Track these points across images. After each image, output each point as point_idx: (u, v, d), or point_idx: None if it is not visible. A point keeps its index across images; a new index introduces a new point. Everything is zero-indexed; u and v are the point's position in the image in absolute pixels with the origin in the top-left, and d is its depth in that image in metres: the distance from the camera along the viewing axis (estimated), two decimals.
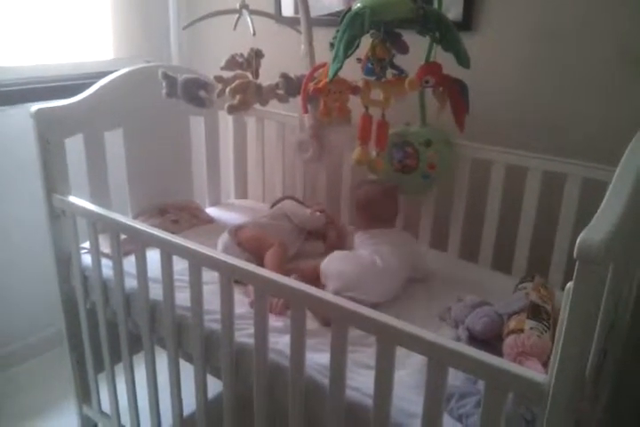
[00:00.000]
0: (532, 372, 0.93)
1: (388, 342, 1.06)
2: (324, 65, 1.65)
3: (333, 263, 1.57)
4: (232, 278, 1.30)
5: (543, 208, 1.66)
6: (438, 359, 1.00)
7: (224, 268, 1.28)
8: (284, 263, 1.64)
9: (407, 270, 1.61)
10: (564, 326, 0.86)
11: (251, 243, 1.71)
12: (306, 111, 1.63)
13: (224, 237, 1.75)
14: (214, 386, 1.52)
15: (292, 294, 1.16)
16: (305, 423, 1.27)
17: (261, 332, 1.26)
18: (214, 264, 1.31)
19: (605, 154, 1.59)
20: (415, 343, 1.02)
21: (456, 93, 1.56)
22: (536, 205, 1.66)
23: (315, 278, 1.56)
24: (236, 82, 1.58)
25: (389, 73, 1.61)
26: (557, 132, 1.75)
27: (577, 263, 0.84)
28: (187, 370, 1.53)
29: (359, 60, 1.62)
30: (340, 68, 1.42)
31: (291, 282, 1.17)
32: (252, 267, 1.24)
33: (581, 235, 0.83)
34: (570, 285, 0.85)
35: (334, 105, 1.55)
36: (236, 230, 1.76)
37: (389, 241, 1.64)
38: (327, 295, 1.13)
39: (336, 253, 1.62)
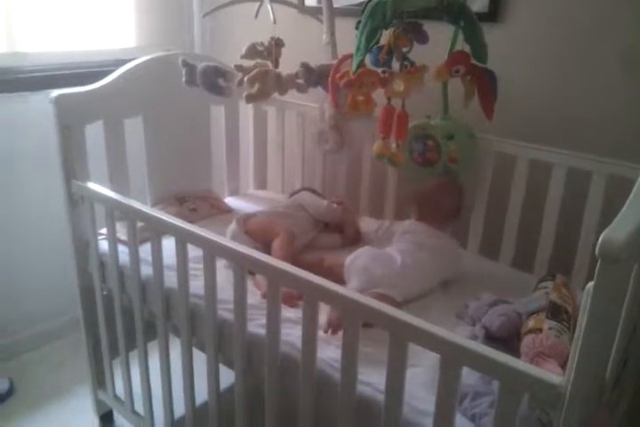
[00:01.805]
0: (549, 373, 0.90)
1: (401, 338, 1.03)
2: (350, 56, 1.62)
3: (360, 259, 1.53)
4: (246, 269, 1.29)
5: (567, 205, 1.62)
6: (451, 357, 0.98)
7: (238, 258, 1.27)
8: (292, 251, 1.61)
9: (436, 278, 1.57)
10: (583, 327, 0.83)
11: (258, 232, 1.71)
12: (337, 104, 1.60)
13: (232, 226, 1.75)
14: (227, 377, 1.51)
15: (306, 287, 1.15)
16: (315, 417, 1.26)
17: (273, 323, 1.25)
18: (229, 254, 1.30)
19: (632, 151, 1.55)
20: (428, 340, 1.00)
21: (485, 82, 1.52)
22: (560, 202, 1.62)
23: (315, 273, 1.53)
24: (256, 71, 1.56)
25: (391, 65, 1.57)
26: (583, 127, 1.70)
27: (598, 262, 0.81)
28: (200, 359, 1.53)
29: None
30: (363, 60, 1.39)
31: (306, 274, 1.15)
32: (265, 257, 1.22)
33: (604, 233, 0.80)
34: (590, 284, 0.82)
35: (360, 97, 1.51)
36: (244, 219, 1.75)
37: (431, 245, 1.59)
38: (340, 288, 1.11)
39: (363, 250, 1.58)
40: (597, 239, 0.77)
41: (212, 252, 1.34)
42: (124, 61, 1.87)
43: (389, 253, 1.58)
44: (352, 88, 1.40)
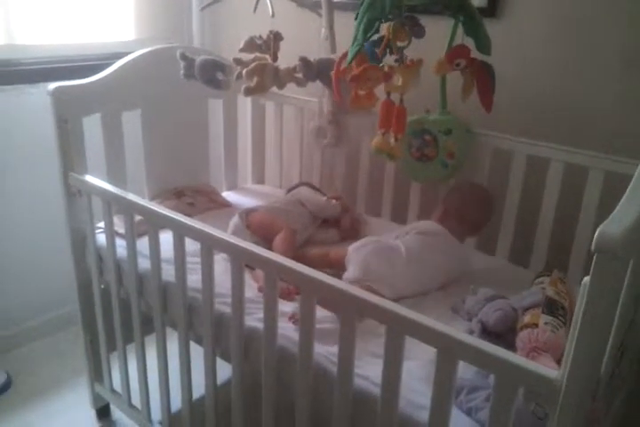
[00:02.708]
0: (544, 368, 0.90)
1: (398, 331, 1.04)
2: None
3: (363, 250, 1.54)
4: (243, 262, 1.29)
5: (564, 201, 1.62)
6: (448, 351, 0.98)
7: (236, 251, 1.27)
8: (293, 249, 1.62)
9: (435, 283, 1.56)
10: (579, 322, 0.83)
11: (260, 227, 1.71)
12: (341, 98, 1.59)
13: (234, 220, 1.75)
14: (225, 370, 1.52)
15: (303, 281, 1.15)
16: (312, 410, 1.26)
17: (270, 317, 1.25)
18: (226, 247, 1.30)
19: (629, 147, 1.55)
20: (424, 334, 1.00)
21: (484, 76, 1.53)
22: (557, 197, 1.62)
23: (322, 266, 1.53)
24: (254, 64, 1.56)
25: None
26: (580, 123, 1.70)
27: (595, 257, 0.81)
28: (197, 352, 1.53)
29: None
30: (359, 51, 1.39)
31: (303, 268, 1.15)
32: (264, 251, 1.22)
33: (600, 227, 0.81)
34: (587, 279, 0.82)
35: (362, 92, 1.51)
36: (246, 214, 1.76)
37: (442, 250, 1.57)
38: (338, 283, 1.11)
39: (370, 241, 1.58)
40: (593, 235, 0.77)
41: (210, 245, 1.34)
42: (123, 54, 1.86)
43: (396, 248, 1.55)
44: (357, 83, 1.39)
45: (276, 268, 1.19)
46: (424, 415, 1.09)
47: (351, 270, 1.50)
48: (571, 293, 1.40)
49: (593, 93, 1.68)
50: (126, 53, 1.86)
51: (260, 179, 2.32)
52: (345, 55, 1.57)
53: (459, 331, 1.00)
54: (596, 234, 0.79)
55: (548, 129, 1.72)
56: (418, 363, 1.23)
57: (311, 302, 1.15)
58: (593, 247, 0.80)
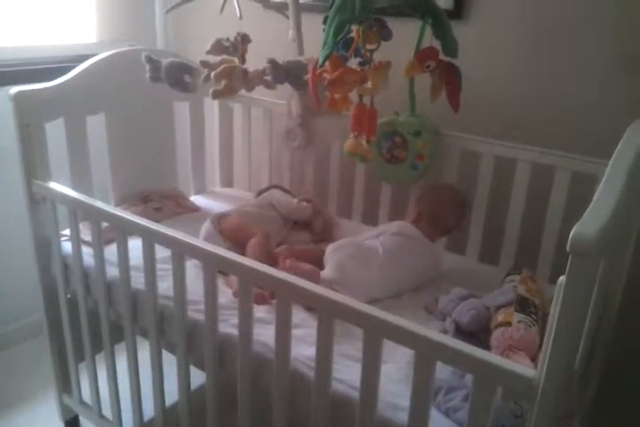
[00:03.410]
0: (522, 367, 0.91)
1: (375, 334, 1.04)
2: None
3: (341, 252, 1.54)
4: (216, 268, 1.27)
5: (532, 201, 1.65)
6: (426, 353, 0.98)
7: (208, 257, 1.25)
8: (266, 252, 1.60)
9: (409, 284, 1.57)
10: (556, 321, 0.84)
11: (233, 232, 1.69)
12: (318, 103, 1.59)
13: (206, 225, 1.72)
14: (197, 377, 1.50)
15: (278, 285, 1.14)
16: (290, 416, 1.25)
17: (246, 323, 1.24)
18: (198, 254, 1.29)
19: (594, 147, 1.59)
20: (403, 337, 1.00)
21: (451, 76, 1.55)
22: (525, 197, 1.65)
23: (307, 260, 1.53)
24: (222, 67, 1.54)
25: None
26: (547, 123, 1.73)
27: (570, 257, 0.82)
28: (169, 360, 1.50)
29: None
30: (330, 54, 1.38)
31: (276, 273, 1.14)
32: (236, 257, 1.21)
33: (575, 228, 0.82)
34: (562, 279, 0.84)
35: (337, 96, 1.50)
36: (218, 219, 1.73)
37: (418, 252, 1.58)
38: (314, 287, 1.10)
39: (348, 243, 1.57)
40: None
41: (181, 252, 1.32)
42: (85, 57, 1.82)
43: (374, 249, 1.56)
44: (335, 87, 1.39)
45: (251, 273, 1.18)
46: (403, 417, 1.09)
47: (328, 271, 1.51)
48: (540, 290, 1.43)
49: (560, 93, 1.71)
50: (89, 56, 1.82)
51: (228, 182, 2.29)
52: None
53: (435, 332, 1.00)
54: (571, 235, 0.80)
55: (516, 130, 1.74)
56: (395, 366, 1.23)
57: (287, 306, 1.14)
58: (568, 248, 0.81)
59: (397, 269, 1.53)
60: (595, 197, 0.95)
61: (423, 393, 1.00)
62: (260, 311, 1.38)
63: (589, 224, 0.83)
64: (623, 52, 1.59)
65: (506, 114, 1.79)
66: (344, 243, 1.58)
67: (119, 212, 1.44)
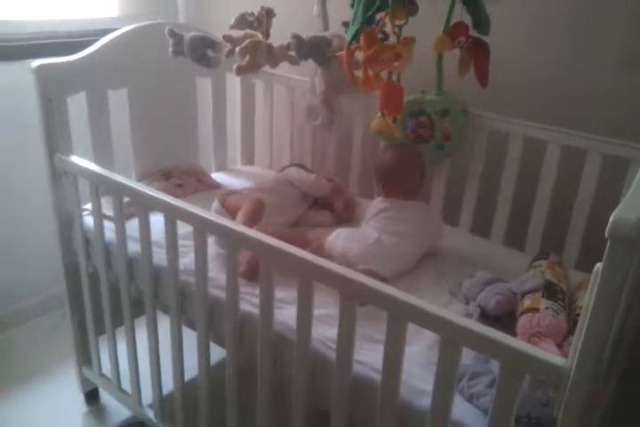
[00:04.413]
0: (552, 355, 0.89)
1: (400, 318, 1.02)
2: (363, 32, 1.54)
3: (338, 241, 1.52)
4: (239, 246, 1.26)
5: (561, 185, 1.61)
6: (452, 338, 0.96)
7: (232, 235, 1.23)
8: (256, 220, 1.55)
9: (422, 247, 1.56)
10: (590, 308, 0.82)
11: (233, 207, 1.65)
12: (354, 80, 1.55)
13: (214, 205, 1.70)
14: (217, 352, 1.50)
15: (303, 266, 1.12)
16: (309, 395, 1.24)
17: (266, 301, 1.22)
18: (221, 231, 1.27)
19: (626, 129, 1.54)
20: (429, 320, 0.98)
21: (480, 52, 1.52)
22: (554, 180, 1.61)
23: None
24: (246, 42, 1.51)
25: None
26: (578, 105, 1.68)
27: (608, 243, 0.79)
28: (189, 336, 1.50)
29: (345, 23, 1.56)
30: (359, 29, 1.34)
31: (299, 253, 1.12)
32: (261, 236, 1.18)
33: (614, 214, 0.78)
34: (599, 266, 0.81)
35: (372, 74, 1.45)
36: (224, 197, 1.71)
37: (407, 217, 1.57)
38: (337, 268, 1.08)
39: (341, 231, 1.56)
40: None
41: (204, 229, 1.30)
42: (107, 31, 1.79)
43: (365, 230, 1.56)
44: (371, 64, 1.34)
45: (273, 253, 1.16)
46: (425, 401, 1.08)
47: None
48: (567, 276, 1.40)
49: (591, 74, 1.65)
50: (110, 30, 1.79)
51: (249, 160, 2.27)
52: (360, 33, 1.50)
53: (462, 316, 0.98)
54: (611, 220, 0.77)
55: (546, 111, 1.69)
56: (418, 348, 1.22)
57: (309, 287, 1.13)
58: (607, 234, 0.77)
59: (398, 236, 1.51)
60: (635, 182, 0.92)
61: (448, 378, 0.99)
62: (281, 291, 1.36)
63: (630, 210, 0.79)
64: None
65: (535, 94, 1.74)
66: (337, 234, 1.54)
67: (142, 187, 1.42)
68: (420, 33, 1.51)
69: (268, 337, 1.26)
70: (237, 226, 1.25)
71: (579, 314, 1.25)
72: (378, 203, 1.64)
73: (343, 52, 1.47)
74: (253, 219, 1.54)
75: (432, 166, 1.78)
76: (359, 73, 1.48)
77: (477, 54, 1.55)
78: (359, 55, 1.48)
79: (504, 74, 1.65)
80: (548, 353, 0.89)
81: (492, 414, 0.95)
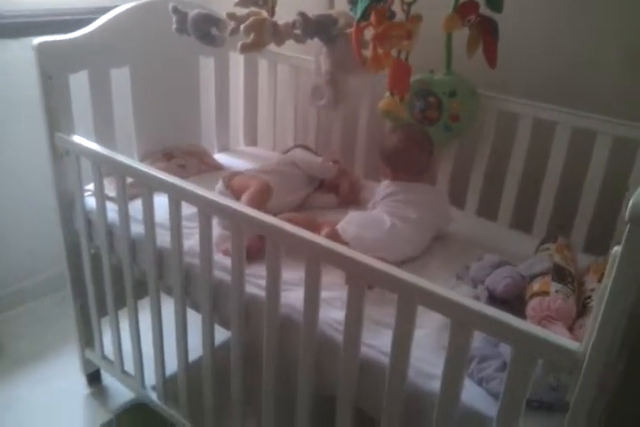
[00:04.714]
0: (566, 339, 0.88)
1: (411, 301, 1.00)
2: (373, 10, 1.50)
3: (351, 227, 1.49)
4: (244, 229, 1.24)
5: (569, 166, 1.59)
6: (463, 322, 0.95)
7: (239, 218, 1.21)
8: (262, 203, 1.52)
9: (431, 231, 1.55)
10: (607, 293, 0.80)
11: (238, 189, 1.62)
12: (362, 59, 1.51)
13: (218, 186, 1.68)
14: (220, 333, 1.48)
15: (311, 249, 1.10)
16: (315, 379, 1.24)
17: (273, 284, 1.21)
18: (227, 213, 1.25)
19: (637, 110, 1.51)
20: (439, 304, 0.97)
21: (488, 31, 1.49)
22: (563, 162, 1.58)
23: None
24: (251, 19, 1.47)
25: None
26: (588, 86, 1.66)
27: (628, 226, 0.77)
28: (191, 317, 1.49)
29: (351, 1, 1.53)
30: (369, 6, 1.30)
31: (311, 236, 1.10)
32: (270, 219, 1.16)
33: (635, 197, 0.77)
34: (617, 249, 0.79)
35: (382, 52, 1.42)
36: (229, 179, 1.68)
37: (415, 200, 1.55)
38: (347, 251, 1.07)
39: (353, 216, 1.53)
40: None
41: (209, 210, 1.28)
42: (107, 9, 1.74)
43: (377, 216, 1.54)
44: (381, 42, 1.31)
45: (282, 235, 1.14)
46: (433, 385, 1.08)
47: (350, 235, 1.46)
48: (576, 259, 1.39)
49: (602, 57, 1.62)
50: (109, 8, 1.74)
51: (252, 141, 2.24)
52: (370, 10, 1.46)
53: (473, 300, 0.97)
54: (631, 204, 0.75)
55: (556, 92, 1.66)
56: (426, 331, 1.21)
57: (316, 269, 1.11)
58: (627, 217, 0.76)
59: (408, 220, 1.49)
60: None
61: (458, 362, 0.98)
62: (287, 273, 1.35)
63: None
64: None
65: (545, 74, 1.70)
66: (347, 220, 1.52)
67: (146, 168, 1.40)
68: (427, 11, 1.47)
69: (274, 319, 1.25)
70: (244, 207, 1.23)
71: (588, 297, 1.24)
72: (385, 187, 1.61)
73: (352, 30, 1.43)
74: (259, 201, 1.51)
75: (439, 148, 1.75)
76: (367, 52, 1.44)
77: (486, 33, 1.52)
78: (368, 34, 1.45)
79: (514, 53, 1.61)
80: (562, 337, 0.88)
81: (504, 398, 0.95)
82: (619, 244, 0.78)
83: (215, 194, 1.61)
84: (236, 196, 1.60)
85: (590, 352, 0.83)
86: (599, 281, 1.29)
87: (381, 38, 1.31)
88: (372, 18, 1.33)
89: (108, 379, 1.99)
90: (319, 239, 1.09)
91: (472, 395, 1.07)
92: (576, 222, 1.59)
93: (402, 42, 1.34)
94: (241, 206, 1.23)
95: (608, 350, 0.85)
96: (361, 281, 1.06)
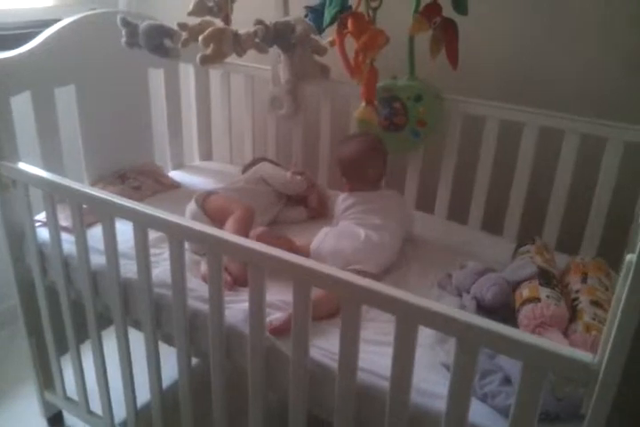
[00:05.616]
0: (578, 352, 0.84)
1: (410, 321, 0.95)
2: (349, 16, 1.44)
3: (326, 243, 1.45)
4: (223, 255, 1.16)
5: (538, 167, 1.58)
6: (470, 340, 0.91)
7: (214, 243, 1.13)
8: (248, 228, 1.47)
9: (399, 234, 1.52)
10: (623, 304, 0.77)
11: (216, 211, 1.55)
12: (352, 70, 1.44)
13: (191, 207, 1.59)
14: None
15: (299, 272, 1.04)
16: (309, 406, 1.17)
17: (257, 310, 1.13)
18: (202, 238, 1.16)
19: (599, 107, 1.52)
20: (442, 323, 0.92)
21: (451, 33, 1.47)
22: (531, 163, 1.58)
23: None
24: (210, 29, 1.39)
25: None
26: (553, 85, 1.66)
27: None
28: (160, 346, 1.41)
29: (308, 8, 1.52)
30: (338, 12, 1.25)
31: (294, 258, 1.04)
32: (250, 244, 1.09)
33: None
34: (631, 256, 0.76)
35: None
36: (203, 198, 1.60)
37: (374, 208, 1.53)
38: (338, 272, 1.01)
39: (325, 233, 1.49)
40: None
41: (180, 237, 1.20)
42: (44, 22, 1.63)
43: (349, 227, 1.50)
44: (369, 51, 1.25)
45: (268, 260, 1.07)
46: (435, 404, 1.03)
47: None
48: (554, 259, 1.38)
49: (565, 55, 1.63)
50: (46, 21, 1.63)
51: (207, 155, 2.15)
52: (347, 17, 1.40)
53: (479, 317, 0.92)
54: None
55: (520, 92, 1.66)
56: (420, 349, 1.15)
57: (306, 292, 1.05)
58: None
59: (377, 228, 1.47)
60: None
61: (464, 381, 0.93)
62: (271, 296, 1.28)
63: None
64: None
65: (508, 75, 1.70)
66: (322, 235, 1.48)
67: (106, 194, 1.29)
68: (385, 15, 1.44)
69: (259, 349, 1.17)
70: (228, 235, 1.15)
71: (575, 299, 1.22)
72: (343, 200, 1.58)
73: (333, 39, 1.37)
74: (246, 229, 1.45)
75: (407, 154, 1.72)
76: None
77: (448, 35, 1.50)
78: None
79: (477, 55, 1.60)
80: (574, 350, 0.85)
81: (515, 412, 0.91)
82: (632, 252, 0.76)
83: (187, 217, 1.55)
84: (212, 218, 1.53)
85: (606, 364, 0.80)
86: (583, 282, 1.29)
87: (369, 47, 1.25)
88: (351, 25, 1.27)
89: (71, 420, 1.85)
90: (309, 263, 1.03)
91: (475, 411, 1.02)
92: (547, 222, 1.59)
93: (380, 50, 1.29)
94: (222, 233, 1.16)
95: (624, 361, 0.82)
96: (355, 303, 1.00)
